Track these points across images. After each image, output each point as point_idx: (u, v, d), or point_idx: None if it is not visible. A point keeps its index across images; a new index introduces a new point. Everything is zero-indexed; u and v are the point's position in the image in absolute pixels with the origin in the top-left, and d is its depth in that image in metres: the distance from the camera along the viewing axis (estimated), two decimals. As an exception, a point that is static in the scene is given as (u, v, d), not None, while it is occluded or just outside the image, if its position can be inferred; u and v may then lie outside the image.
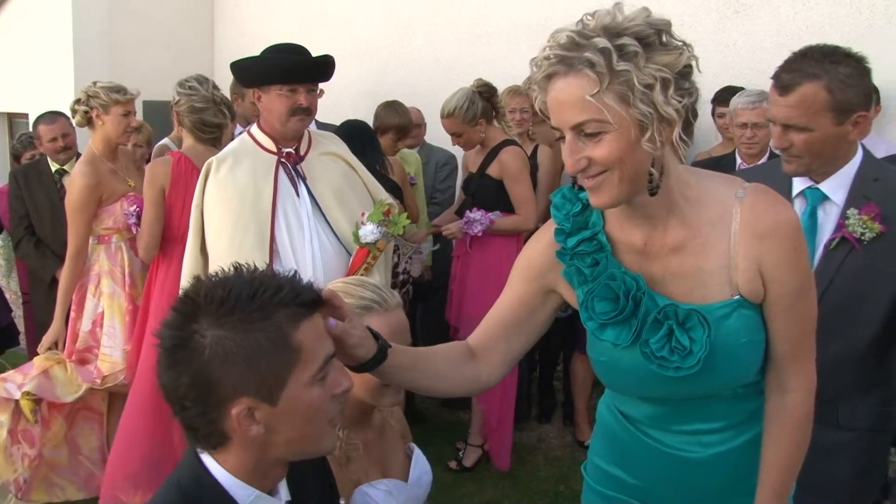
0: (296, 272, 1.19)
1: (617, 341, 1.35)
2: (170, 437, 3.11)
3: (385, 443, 1.72)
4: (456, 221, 3.88)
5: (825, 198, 1.92)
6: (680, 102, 1.21)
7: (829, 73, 1.75)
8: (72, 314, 3.49)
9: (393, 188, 3.88)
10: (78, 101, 3.43)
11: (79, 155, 4.26)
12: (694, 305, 1.33)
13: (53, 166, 4.26)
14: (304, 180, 2.71)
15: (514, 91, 4.25)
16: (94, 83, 3.46)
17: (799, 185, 1.96)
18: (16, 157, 4.83)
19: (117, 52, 6.08)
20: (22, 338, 4.93)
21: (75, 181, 3.38)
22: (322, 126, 4.38)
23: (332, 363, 1.17)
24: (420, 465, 1.76)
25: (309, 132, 2.81)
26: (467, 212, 3.80)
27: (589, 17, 1.24)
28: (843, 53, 1.79)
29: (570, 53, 1.21)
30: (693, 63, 1.25)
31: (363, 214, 2.72)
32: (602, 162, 1.23)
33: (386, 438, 1.73)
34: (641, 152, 1.22)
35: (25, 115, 6.29)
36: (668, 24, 1.23)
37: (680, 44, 1.23)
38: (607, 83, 1.18)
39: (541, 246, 1.47)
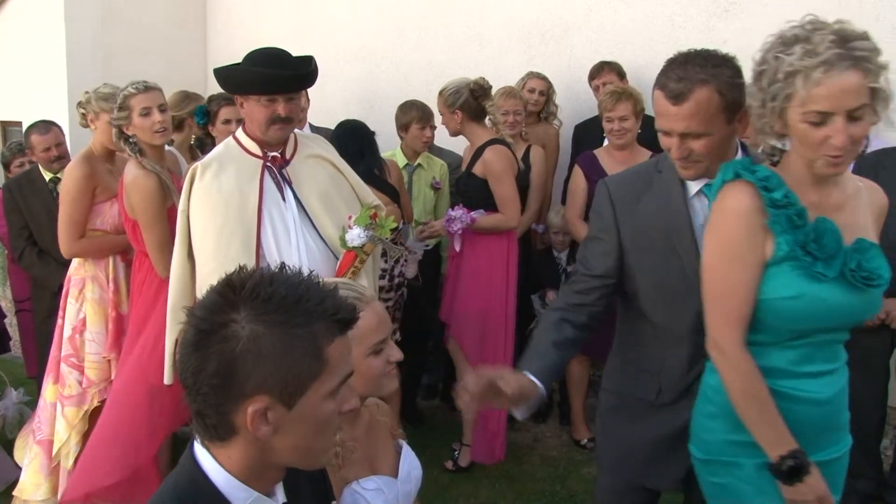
0: (336, 286, 1.21)
1: (825, 272, 1.66)
2: (154, 445, 3.11)
3: (374, 439, 1.73)
4: (440, 219, 3.91)
5: None
6: None
7: (717, 76, 1.79)
8: (59, 321, 3.47)
9: (391, 191, 3.90)
10: (79, 104, 3.46)
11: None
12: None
13: (47, 175, 4.26)
14: (289, 184, 2.70)
15: (508, 93, 4.25)
16: (97, 89, 3.45)
17: (695, 184, 1.97)
18: (5, 164, 4.83)
19: (110, 59, 6.09)
20: (14, 345, 4.93)
21: (71, 172, 3.37)
22: (316, 130, 4.39)
23: (348, 382, 1.19)
24: (409, 460, 1.77)
25: (295, 135, 2.79)
26: (449, 210, 3.84)
27: (838, 23, 1.59)
28: (721, 56, 1.84)
29: (846, 51, 1.54)
30: None
31: (350, 218, 2.71)
32: (859, 140, 1.59)
33: (374, 435, 1.73)
34: None
35: (19, 123, 6.29)
36: None
37: None
38: (874, 77, 1.55)
39: (745, 211, 1.70)
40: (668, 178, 1.96)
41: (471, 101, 3.78)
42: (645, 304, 2.00)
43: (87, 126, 3.49)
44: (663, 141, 1.88)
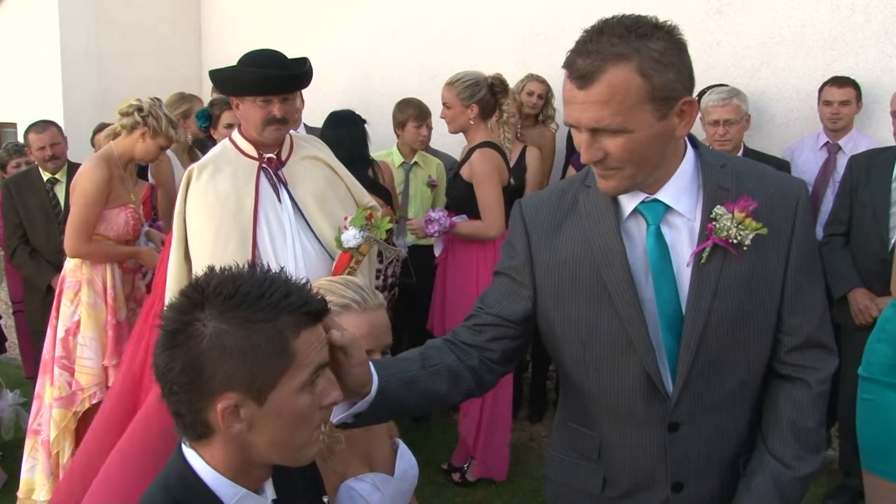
0: (307, 279, 1.20)
1: None
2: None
3: (370, 437, 1.73)
4: (419, 218, 3.78)
5: (668, 209, 1.46)
6: None
7: (640, 50, 1.29)
8: (52, 321, 3.46)
9: (383, 193, 3.89)
10: (139, 110, 3.35)
11: (69, 163, 4.28)
12: None
13: (45, 175, 4.27)
14: (285, 186, 2.71)
15: (504, 93, 4.25)
16: (159, 101, 3.41)
17: (629, 201, 1.47)
18: (2, 165, 4.84)
19: (105, 61, 6.09)
20: (10, 346, 4.93)
21: (92, 173, 3.32)
22: (311, 131, 4.40)
23: (323, 373, 1.18)
24: (406, 458, 1.77)
25: (290, 136, 2.81)
26: (429, 211, 3.68)
27: None
28: (651, 24, 1.32)
29: None
30: None
31: (346, 219, 2.73)
32: None
33: (371, 432, 1.73)
34: None
35: (13, 125, 6.31)
36: None
37: None
38: None
39: None
40: (598, 196, 1.48)
41: (488, 96, 3.62)
42: (571, 366, 1.55)
43: (128, 128, 3.38)
44: (574, 138, 1.41)
